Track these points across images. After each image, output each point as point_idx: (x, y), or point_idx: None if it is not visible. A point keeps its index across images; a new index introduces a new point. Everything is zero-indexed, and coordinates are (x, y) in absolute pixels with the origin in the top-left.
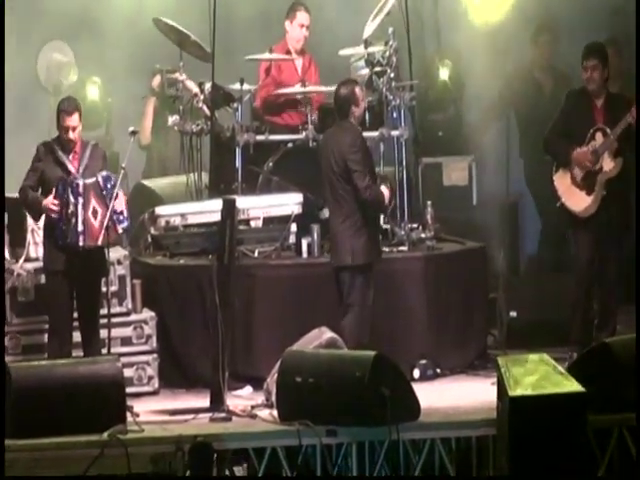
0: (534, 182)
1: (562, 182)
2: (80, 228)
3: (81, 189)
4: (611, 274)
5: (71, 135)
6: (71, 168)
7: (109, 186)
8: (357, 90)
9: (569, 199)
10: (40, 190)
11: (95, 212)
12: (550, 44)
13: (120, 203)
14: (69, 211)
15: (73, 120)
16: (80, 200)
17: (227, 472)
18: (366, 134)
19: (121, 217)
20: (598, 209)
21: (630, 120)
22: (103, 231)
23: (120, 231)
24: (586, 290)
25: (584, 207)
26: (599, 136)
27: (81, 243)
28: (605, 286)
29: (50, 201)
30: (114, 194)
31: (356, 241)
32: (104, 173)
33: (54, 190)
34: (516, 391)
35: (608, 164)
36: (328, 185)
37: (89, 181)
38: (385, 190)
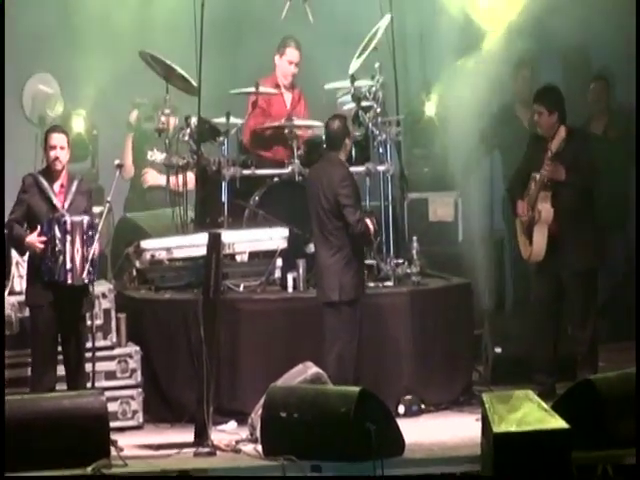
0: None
1: (518, 229)
2: (68, 266)
3: (69, 226)
4: (577, 315)
5: (59, 154)
6: (57, 203)
7: (90, 233)
8: (348, 123)
9: (521, 247)
10: (25, 224)
11: (78, 251)
12: (529, 80)
13: (96, 250)
14: (56, 248)
15: (60, 139)
16: (68, 237)
17: None
18: (352, 169)
19: (94, 267)
20: (547, 255)
21: (549, 160)
22: (85, 269)
23: (85, 281)
24: (545, 327)
25: (528, 254)
26: (532, 184)
27: (69, 281)
28: (576, 326)
29: (36, 238)
30: (94, 240)
31: (344, 276)
32: (89, 218)
33: (40, 227)
34: (500, 427)
35: (540, 212)
36: (316, 220)
37: (77, 219)
38: (370, 224)
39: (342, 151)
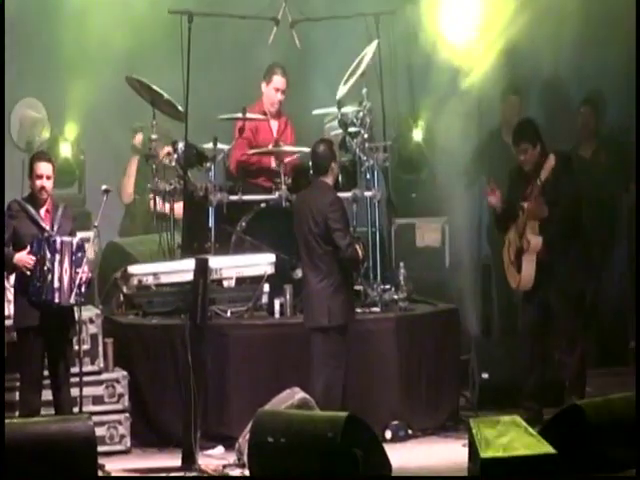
0: (496, 240)
1: (505, 259)
2: (56, 285)
3: (58, 245)
4: (565, 340)
5: (45, 183)
6: (45, 225)
7: (79, 254)
8: (334, 147)
9: (509, 276)
10: (12, 247)
11: (66, 271)
12: (517, 106)
13: (85, 275)
14: (45, 268)
15: (46, 169)
16: (57, 257)
17: None
18: (339, 195)
19: (83, 290)
20: (536, 280)
21: (539, 184)
22: (73, 291)
23: (73, 302)
24: (532, 354)
25: (516, 284)
26: (521, 214)
27: (57, 300)
28: (564, 352)
29: (26, 256)
30: (82, 263)
31: (333, 302)
32: (78, 239)
33: (29, 247)
34: (487, 453)
35: (529, 242)
36: (304, 246)
37: (66, 239)
38: (359, 250)
39: (329, 175)
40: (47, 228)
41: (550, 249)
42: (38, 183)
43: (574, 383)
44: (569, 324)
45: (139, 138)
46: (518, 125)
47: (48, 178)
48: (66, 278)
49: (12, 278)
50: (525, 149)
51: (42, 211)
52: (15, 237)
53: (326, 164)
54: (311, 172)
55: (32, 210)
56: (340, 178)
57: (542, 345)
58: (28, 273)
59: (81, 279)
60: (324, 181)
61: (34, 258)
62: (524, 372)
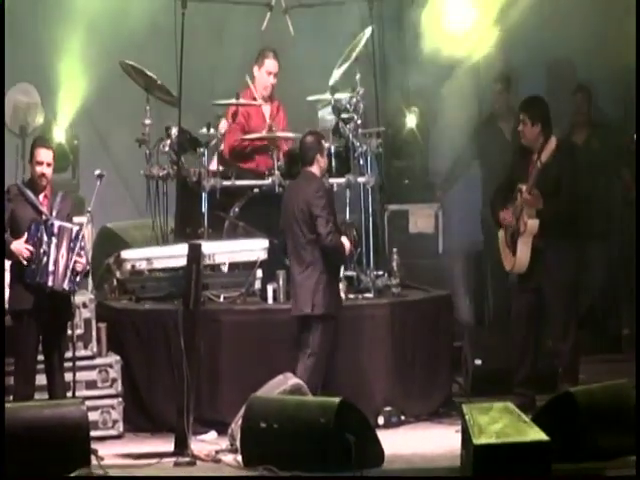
0: (488, 227)
1: (500, 241)
2: (51, 268)
3: (56, 229)
4: (559, 328)
5: (45, 170)
6: (43, 209)
7: (78, 242)
8: (322, 140)
9: (504, 259)
10: (9, 231)
11: (63, 256)
12: (505, 93)
13: (81, 265)
14: (41, 250)
15: (47, 155)
16: (54, 240)
17: None
18: (332, 180)
19: (78, 279)
20: (530, 267)
21: (539, 166)
22: (68, 277)
23: (66, 288)
24: (525, 341)
25: (511, 266)
26: (519, 196)
27: (50, 283)
28: (557, 339)
29: (23, 245)
30: (80, 251)
31: (317, 291)
32: (78, 228)
33: (27, 230)
34: (480, 439)
35: (526, 224)
36: (290, 235)
37: (66, 225)
38: (346, 241)
39: (315, 166)
40: (45, 212)
41: (546, 236)
42: (38, 170)
43: (567, 370)
44: (562, 312)
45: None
46: (527, 98)
47: (48, 165)
48: (62, 263)
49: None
50: (524, 120)
51: (40, 197)
52: (12, 221)
53: (312, 155)
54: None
55: (31, 195)
56: (334, 164)
57: (535, 333)
58: (25, 263)
59: (78, 268)
60: (310, 171)
61: (31, 248)
62: (517, 360)
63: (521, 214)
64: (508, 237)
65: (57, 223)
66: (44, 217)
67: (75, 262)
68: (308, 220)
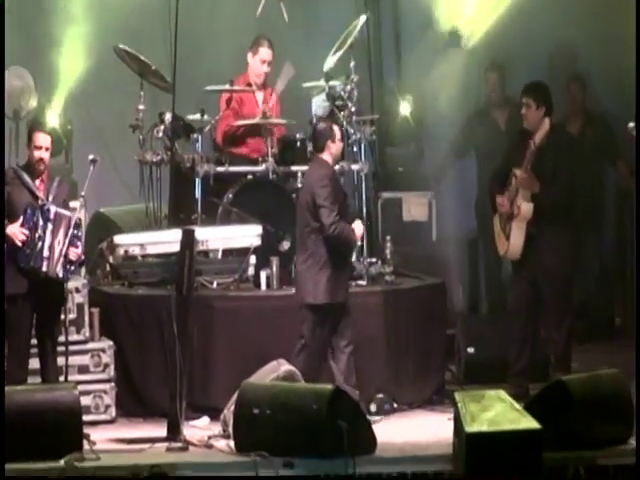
0: (483, 215)
1: (495, 226)
2: (45, 254)
3: (52, 215)
4: (553, 317)
5: (43, 155)
6: (39, 194)
7: (76, 231)
8: (335, 127)
9: (498, 243)
10: (6, 214)
11: (59, 243)
12: (498, 82)
13: (75, 255)
14: (36, 235)
15: (45, 140)
16: (49, 226)
17: None
18: None
19: (72, 267)
20: (525, 252)
21: (533, 148)
22: (61, 264)
23: (60, 275)
24: (522, 331)
25: (504, 251)
26: (514, 180)
27: (44, 269)
28: (551, 328)
29: (18, 229)
30: (76, 240)
31: (318, 281)
32: (77, 217)
33: (23, 214)
34: (473, 427)
35: (520, 208)
36: (298, 223)
37: (65, 212)
38: (359, 227)
39: (326, 152)
40: (41, 197)
41: (540, 222)
42: (37, 154)
43: (560, 359)
44: (556, 301)
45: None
46: (532, 82)
47: (47, 149)
48: (57, 249)
49: None
50: (527, 104)
51: (37, 181)
52: (8, 205)
53: (323, 141)
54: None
55: (28, 179)
56: None
57: (532, 322)
58: (20, 244)
59: (72, 257)
60: (321, 158)
61: (26, 232)
62: (509, 347)
63: (516, 197)
64: (503, 222)
65: (53, 209)
66: (40, 202)
67: (70, 251)
68: (312, 209)
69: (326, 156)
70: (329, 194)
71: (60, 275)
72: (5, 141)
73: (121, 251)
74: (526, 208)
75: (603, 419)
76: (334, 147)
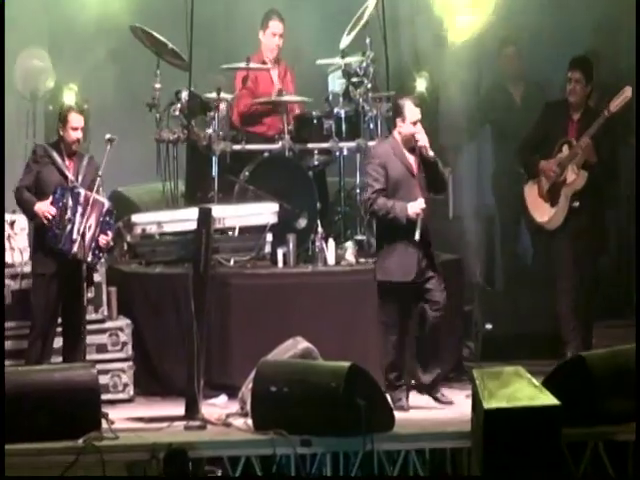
0: (500, 190)
1: (530, 193)
2: (74, 236)
3: (82, 199)
4: (585, 288)
5: (79, 135)
6: (69, 175)
7: (108, 219)
8: (406, 104)
9: (535, 210)
10: (35, 191)
11: (90, 228)
12: (513, 57)
13: (105, 241)
14: (66, 217)
15: (80, 121)
16: (79, 209)
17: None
18: (342, 144)
19: (101, 254)
20: (566, 221)
21: (602, 121)
22: (92, 249)
23: (89, 260)
24: (571, 299)
25: (547, 218)
26: (566, 148)
27: (74, 250)
28: (580, 300)
29: (46, 207)
30: (107, 228)
31: (382, 259)
32: (110, 203)
33: (52, 194)
34: (491, 404)
35: (573, 176)
36: None
37: (99, 198)
38: (414, 205)
39: (395, 131)
40: (71, 178)
41: (586, 194)
42: (74, 135)
43: (580, 334)
44: (588, 275)
45: None
46: (583, 57)
47: (82, 130)
48: (88, 234)
49: (17, 227)
50: (577, 79)
51: (67, 161)
52: (37, 183)
53: (393, 118)
54: None
55: (58, 158)
56: (344, 128)
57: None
58: (46, 222)
59: (102, 243)
60: (390, 134)
61: (55, 210)
62: (527, 323)
63: (569, 165)
64: (546, 188)
65: (83, 192)
66: (70, 183)
67: (100, 237)
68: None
69: (395, 133)
70: (370, 171)
71: (89, 260)
72: (22, 122)
73: (138, 230)
74: (581, 178)
75: (622, 395)
76: (403, 126)
